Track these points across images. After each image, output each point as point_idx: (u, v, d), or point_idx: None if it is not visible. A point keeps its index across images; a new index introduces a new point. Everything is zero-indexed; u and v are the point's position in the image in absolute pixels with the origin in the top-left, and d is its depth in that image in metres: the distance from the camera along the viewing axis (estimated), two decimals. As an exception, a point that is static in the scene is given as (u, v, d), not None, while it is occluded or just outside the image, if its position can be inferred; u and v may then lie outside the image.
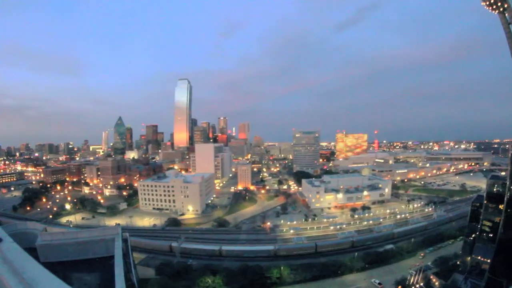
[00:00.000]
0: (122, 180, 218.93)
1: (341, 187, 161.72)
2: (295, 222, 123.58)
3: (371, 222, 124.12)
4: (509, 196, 60.09)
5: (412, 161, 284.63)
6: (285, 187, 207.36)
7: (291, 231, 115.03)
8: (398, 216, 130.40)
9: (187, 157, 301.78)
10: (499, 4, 79.10)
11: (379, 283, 74.77)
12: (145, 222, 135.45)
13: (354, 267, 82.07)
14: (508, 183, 60.94)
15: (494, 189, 69.58)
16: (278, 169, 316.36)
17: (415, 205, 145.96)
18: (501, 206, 63.53)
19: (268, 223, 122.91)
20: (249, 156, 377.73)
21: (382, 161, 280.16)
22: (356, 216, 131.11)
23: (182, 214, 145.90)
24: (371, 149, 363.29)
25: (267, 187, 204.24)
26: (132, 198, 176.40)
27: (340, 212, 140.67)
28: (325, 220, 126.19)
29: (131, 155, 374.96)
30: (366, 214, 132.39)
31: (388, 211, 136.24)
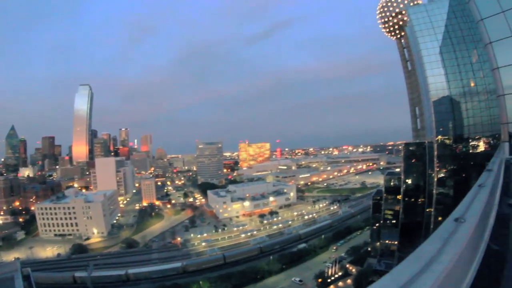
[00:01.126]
0: (17, 203, 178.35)
1: (247, 195, 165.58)
2: (205, 235, 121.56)
3: (280, 225, 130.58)
4: (405, 188, 73.61)
5: (314, 165, 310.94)
6: (191, 199, 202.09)
7: (203, 243, 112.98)
8: (306, 217, 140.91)
9: (87, 173, 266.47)
10: (397, 32, 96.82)
11: (300, 280, 78.58)
12: (48, 252, 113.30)
13: (273, 270, 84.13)
14: (402, 177, 74.49)
15: (391, 183, 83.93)
16: (182, 181, 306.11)
17: (321, 205, 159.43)
18: (398, 197, 76.73)
19: (179, 239, 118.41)
20: (152, 169, 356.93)
21: (285, 167, 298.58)
22: (265, 221, 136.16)
23: (87, 238, 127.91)
24: (274, 157, 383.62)
25: (173, 201, 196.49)
26: (30, 224, 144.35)
27: (249, 220, 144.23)
28: (235, 229, 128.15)
29: (26, 172, 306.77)
30: (275, 219, 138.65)
31: (295, 213, 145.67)
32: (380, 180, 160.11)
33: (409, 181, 74.94)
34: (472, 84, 49.06)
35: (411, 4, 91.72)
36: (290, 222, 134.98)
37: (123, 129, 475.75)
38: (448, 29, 52.48)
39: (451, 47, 52.20)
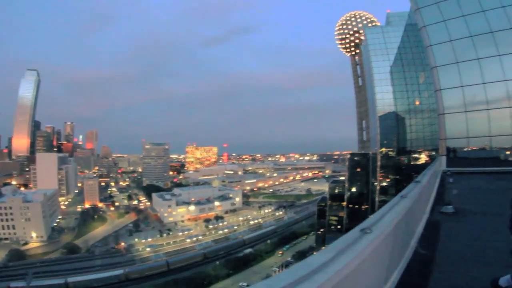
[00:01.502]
0: None
1: (193, 199, 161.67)
2: (150, 239, 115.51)
3: (226, 230, 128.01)
4: (349, 195, 78.72)
5: (260, 172, 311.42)
6: (135, 202, 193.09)
7: (148, 249, 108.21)
8: (252, 222, 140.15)
9: (27, 169, 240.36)
10: (352, 49, 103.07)
11: (247, 285, 76.86)
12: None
13: (220, 275, 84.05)
14: (347, 185, 79.18)
15: (336, 191, 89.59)
16: (127, 183, 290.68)
17: (266, 211, 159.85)
18: (343, 203, 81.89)
19: (123, 244, 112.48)
20: (96, 169, 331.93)
21: (231, 172, 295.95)
22: (211, 226, 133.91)
23: (26, 243, 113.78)
24: (221, 161, 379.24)
25: (117, 204, 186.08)
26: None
27: (194, 224, 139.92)
28: (180, 233, 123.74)
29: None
30: (220, 224, 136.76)
31: (241, 218, 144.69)
32: (325, 187, 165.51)
33: (353, 189, 79.74)
34: (417, 103, 53.03)
35: (369, 24, 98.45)
36: (235, 227, 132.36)
37: (68, 122, 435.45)
38: (401, 51, 56.43)
39: (401, 67, 56.25)
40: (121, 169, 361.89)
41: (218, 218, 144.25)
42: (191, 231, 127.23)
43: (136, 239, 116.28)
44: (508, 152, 20.83)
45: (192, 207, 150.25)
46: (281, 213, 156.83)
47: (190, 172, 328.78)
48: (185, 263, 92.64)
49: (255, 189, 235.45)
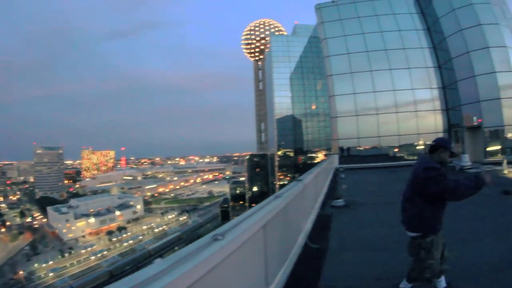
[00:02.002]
0: None
1: (91, 210, 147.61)
2: (51, 262, 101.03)
3: (131, 241, 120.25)
4: (250, 195, 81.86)
5: (160, 176, 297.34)
6: (29, 219, 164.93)
7: (51, 274, 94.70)
8: (156, 230, 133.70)
9: None
10: (257, 54, 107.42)
11: None
12: None
13: None
14: (247, 185, 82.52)
15: (237, 191, 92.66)
16: (18, 196, 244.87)
17: (170, 216, 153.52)
18: (245, 203, 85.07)
19: (21, 272, 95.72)
20: None
21: (131, 178, 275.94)
22: (115, 238, 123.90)
23: None
24: (119, 166, 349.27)
25: (8, 223, 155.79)
26: None
27: (97, 238, 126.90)
28: (83, 251, 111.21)
29: None
30: (124, 235, 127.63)
31: (144, 227, 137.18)
32: (226, 189, 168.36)
33: (254, 189, 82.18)
34: (314, 107, 58.59)
35: (276, 33, 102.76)
36: (140, 237, 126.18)
37: None
38: (302, 60, 60.76)
39: (300, 75, 60.71)
40: (10, 180, 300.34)
41: (121, 229, 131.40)
42: (95, 246, 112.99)
43: (36, 264, 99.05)
44: (395, 150, 23.94)
45: (92, 220, 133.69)
46: (185, 217, 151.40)
47: (87, 179, 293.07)
48: (91, 285, 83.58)
49: (156, 195, 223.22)
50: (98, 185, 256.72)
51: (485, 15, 21.01)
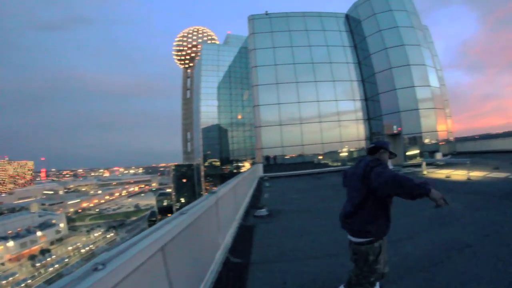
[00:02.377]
0: None
1: (9, 232, 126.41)
2: None
3: (57, 266, 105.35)
4: (178, 207, 77.19)
5: (83, 189, 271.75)
6: None
7: None
8: (83, 250, 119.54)
9: None
10: (187, 62, 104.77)
11: None
12: None
13: None
14: (173, 197, 78.73)
15: (164, 203, 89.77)
16: None
17: (96, 234, 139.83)
18: (169, 214, 79.46)
19: None
20: None
21: (51, 192, 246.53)
22: (39, 264, 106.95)
23: None
24: (38, 179, 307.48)
25: None
26: None
27: (18, 265, 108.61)
28: (4, 282, 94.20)
29: None
30: (49, 258, 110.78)
31: (70, 248, 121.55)
32: (153, 201, 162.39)
33: (181, 199, 79.39)
34: (240, 117, 58.12)
35: (208, 41, 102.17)
36: (66, 260, 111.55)
37: None
38: (231, 69, 60.77)
39: (228, 84, 60.31)
40: None
41: (44, 251, 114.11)
42: (17, 275, 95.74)
43: None
44: (320, 157, 24.52)
45: (10, 243, 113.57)
46: (112, 234, 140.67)
47: (3, 195, 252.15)
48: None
49: (80, 211, 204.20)
50: (16, 202, 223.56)
51: (409, 37, 23.67)
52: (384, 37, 24.07)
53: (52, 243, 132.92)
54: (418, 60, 23.29)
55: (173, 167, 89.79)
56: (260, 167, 22.08)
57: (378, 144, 2.92)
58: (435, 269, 3.76)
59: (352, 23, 27.15)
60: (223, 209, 5.26)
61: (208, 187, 63.78)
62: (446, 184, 10.87)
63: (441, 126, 23.38)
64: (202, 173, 64.74)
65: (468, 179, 11.32)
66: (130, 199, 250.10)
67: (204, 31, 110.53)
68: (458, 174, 13.05)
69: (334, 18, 27.27)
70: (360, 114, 25.72)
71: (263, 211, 8.19)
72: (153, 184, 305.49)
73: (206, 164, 65.60)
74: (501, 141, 24.49)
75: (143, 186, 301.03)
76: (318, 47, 25.78)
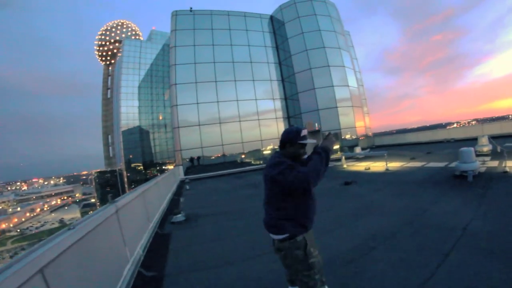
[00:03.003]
0: None
1: None
2: None
3: None
4: None
5: (0, 207, 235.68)
6: None
7: None
8: None
9: None
10: (109, 58, 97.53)
11: None
12: None
13: None
14: (99, 208, 72.82)
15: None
16: None
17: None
18: None
19: None
20: None
21: None
22: None
23: None
24: None
25: None
26: None
27: None
28: None
29: None
30: None
31: None
32: (78, 214, 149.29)
33: None
34: (161, 118, 55.62)
35: (132, 37, 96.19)
36: None
37: None
38: (153, 67, 58.03)
39: (149, 83, 57.44)
40: None
41: None
42: None
43: None
44: (242, 156, 24.46)
45: None
46: None
47: None
48: None
49: None
50: None
51: (330, 40, 25.00)
52: (306, 39, 24.72)
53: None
54: (337, 62, 24.26)
55: (96, 174, 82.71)
56: (180, 170, 21.50)
57: (282, 138, 2.57)
58: (363, 260, 3.70)
59: (275, 24, 27.50)
60: (129, 220, 4.82)
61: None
62: (366, 175, 11.21)
63: (359, 122, 24.50)
64: (126, 179, 61.15)
65: (387, 169, 11.71)
66: (53, 214, 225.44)
67: (129, 25, 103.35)
68: (377, 166, 13.46)
69: (259, 18, 27.37)
70: (280, 113, 26.13)
71: (179, 217, 7.68)
72: (77, 195, 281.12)
73: (129, 169, 62.16)
74: (415, 134, 26.43)
75: (65, 198, 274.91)
76: (240, 46, 25.58)
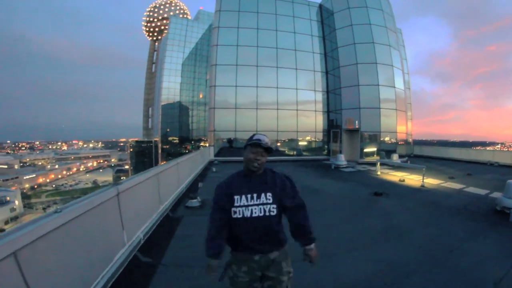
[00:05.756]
0: None
1: None
2: None
3: None
4: None
5: (40, 163, 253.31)
6: None
7: None
8: None
9: None
10: (156, 34, 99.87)
11: None
12: None
13: None
14: (130, 174, 75.74)
15: (121, 180, 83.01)
16: None
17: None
18: None
19: None
20: None
21: (5, 166, 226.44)
22: None
23: None
24: None
25: None
26: None
27: None
28: None
29: None
30: None
31: None
32: (110, 178, 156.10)
33: None
34: (201, 96, 56.81)
35: (180, 15, 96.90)
36: None
37: None
38: (197, 47, 58.90)
39: (193, 61, 58.53)
40: None
41: None
42: None
43: None
44: (278, 144, 24.00)
45: None
46: None
47: None
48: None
49: (35, 187, 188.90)
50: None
51: (380, 36, 23.32)
52: (355, 32, 23.46)
53: (6, 222, 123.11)
54: (385, 60, 23.01)
55: (132, 143, 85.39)
56: (211, 150, 21.25)
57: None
58: None
59: (324, 13, 26.34)
60: (134, 202, 4.64)
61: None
62: (399, 188, 10.48)
63: (401, 127, 23.35)
64: (160, 151, 63.21)
65: (422, 186, 10.86)
66: (88, 175, 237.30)
67: (177, 4, 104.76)
68: (412, 179, 12.64)
69: (307, 6, 26.25)
70: (320, 106, 25.33)
71: (194, 202, 7.37)
72: (113, 160, 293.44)
73: (166, 141, 64.06)
74: (458, 150, 24.77)
75: (101, 161, 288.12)
76: (285, 32, 24.74)
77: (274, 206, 2.20)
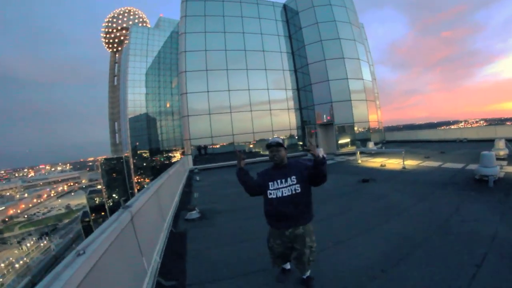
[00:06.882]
0: None
1: None
2: None
3: None
4: (110, 204, 72.54)
5: (8, 194, 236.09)
6: None
7: None
8: (17, 265, 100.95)
9: None
10: (116, 45, 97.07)
11: None
12: None
13: None
14: (105, 194, 73.58)
15: (96, 202, 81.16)
16: None
17: (29, 244, 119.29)
18: (108, 214, 73.49)
19: None
20: None
21: None
22: None
23: None
24: None
25: None
26: None
27: None
28: None
29: None
30: None
31: (2, 264, 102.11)
32: (84, 200, 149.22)
33: (114, 196, 74.02)
34: (168, 105, 55.59)
35: (140, 24, 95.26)
36: (0, 280, 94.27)
37: None
38: (160, 55, 57.67)
39: (157, 71, 57.21)
40: None
41: None
42: None
43: None
44: (251, 146, 24.25)
45: None
46: (45, 242, 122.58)
47: None
48: None
49: (7, 220, 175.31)
50: None
51: (345, 31, 24.21)
52: (321, 29, 24.16)
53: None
54: (352, 54, 23.84)
55: (102, 161, 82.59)
56: (189, 159, 21.23)
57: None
58: (393, 271, 3.51)
59: (289, 13, 26.97)
60: (145, 224, 4.21)
61: (140, 180, 61.40)
62: (383, 173, 10.97)
63: (372, 116, 24.16)
64: (132, 166, 61.58)
65: (403, 168, 11.51)
66: (60, 200, 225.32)
67: (136, 13, 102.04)
68: (393, 163, 13.32)
69: (271, 7, 26.78)
70: (292, 103, 25.91)
71: (194, 214, 7.15)
72: (83, 181, 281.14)
73: (136, 156, 62.28)
74: (426, 131, 26.35)
75: (72, 184, 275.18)
76: (252, 34, 25.06)
77: (298, 185, 2.89)
